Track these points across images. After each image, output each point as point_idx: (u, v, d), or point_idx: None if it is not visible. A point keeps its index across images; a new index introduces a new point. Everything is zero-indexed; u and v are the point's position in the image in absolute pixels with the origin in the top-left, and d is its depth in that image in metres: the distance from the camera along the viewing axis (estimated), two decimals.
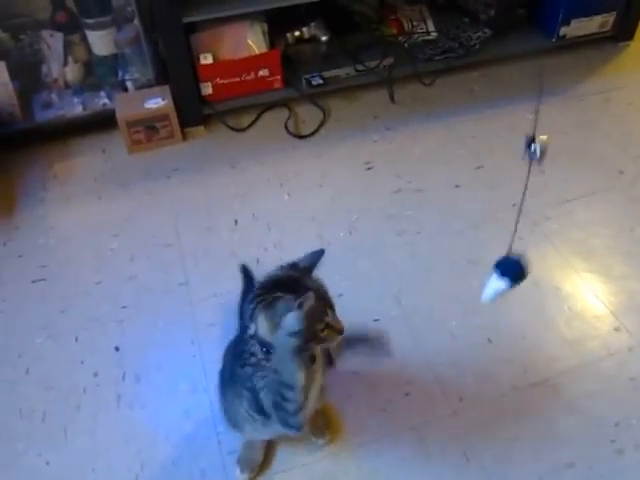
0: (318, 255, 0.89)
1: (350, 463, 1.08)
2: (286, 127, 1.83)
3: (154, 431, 1.14)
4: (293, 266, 0.90)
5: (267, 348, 0.83)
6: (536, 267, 1.40)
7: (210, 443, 1.12)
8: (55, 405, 1.18)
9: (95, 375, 1.23)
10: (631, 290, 1.36)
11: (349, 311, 1.28)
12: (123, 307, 1.35)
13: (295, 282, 0.85)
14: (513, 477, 1.06)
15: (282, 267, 0.90)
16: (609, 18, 2.09)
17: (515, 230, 1.01)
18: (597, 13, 2.05)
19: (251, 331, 0.84)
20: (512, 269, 0.99)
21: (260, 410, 0.91)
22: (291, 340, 0.81)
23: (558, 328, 1.28)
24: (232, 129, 1.83)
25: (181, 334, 1.29)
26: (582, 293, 1.36)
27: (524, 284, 1.34)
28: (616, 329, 1.28)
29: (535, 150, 1.00)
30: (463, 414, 1.14)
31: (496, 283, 0.97)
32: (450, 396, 1.17)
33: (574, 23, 2.04)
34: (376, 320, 1.29)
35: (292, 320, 0.79)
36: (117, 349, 1.28)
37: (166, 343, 1.28)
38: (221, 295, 1.36)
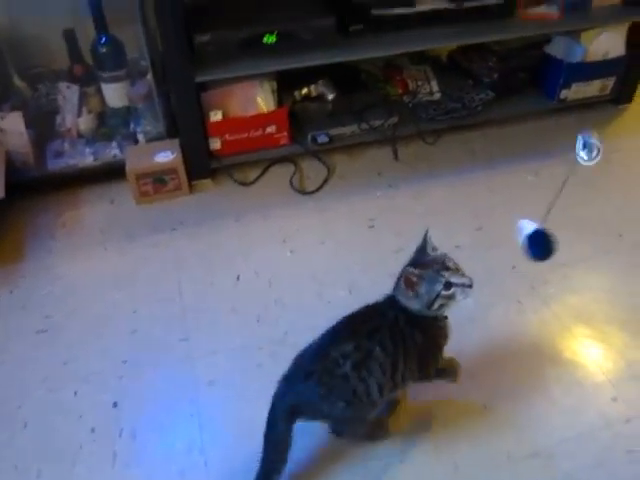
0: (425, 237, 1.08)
1: None
2: (291, 183, 1.87)
3: None
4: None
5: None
6: (534, 332, 1.43)
7: None
8: (51, 462, 1.18)
9: (92, 431, 1.23)
10: (629, 359, 1.36)
11: None
12: (123, 361, 1.37)
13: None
14: None
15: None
16: (609, 82, 2.15)
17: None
18: (597, 78, 2.12)
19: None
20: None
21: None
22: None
23: (555, 396, 1.28)
24: (238, 183, 1.88)
25: (180, 391, 1.30)
26: (580, 360, 1.36)
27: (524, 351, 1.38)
28: (613, 399, 1.28)
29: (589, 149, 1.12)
30: None
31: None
32: (445, 463, 1.16)
33: (574, 87, 2.10)
34: None
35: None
36: (115, 405, 1.28)
37: (164, 400, 1.29)
38: (221, 352, 1.37)
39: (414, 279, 1.01)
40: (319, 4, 1.83)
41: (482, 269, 1.57)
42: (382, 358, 1.02)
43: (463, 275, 1.03)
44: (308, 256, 1.62)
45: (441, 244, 1.65)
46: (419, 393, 1.28)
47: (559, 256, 1.61)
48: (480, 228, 1.72)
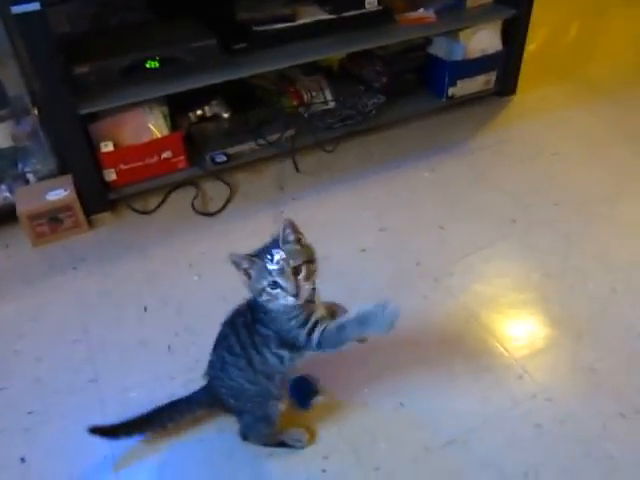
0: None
1: None
2: (193, 206, 1.85)
3: None
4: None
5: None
6: (441, 324, 1.47)
7: None
8: None
9: None
10: (532, 337, 1.43)
11: None
12: (29, 413, 1.30)
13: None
14: None
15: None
16: (491, 76, 2.26)
17: None
18: (479, 73, 2.22)
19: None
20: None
21: (292, 345, 1.05)
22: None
23: (465, 384, 1.33)
24: (139, 212, 1.84)
25: (91, 437, 1.25)
26: (487, 345, 1.41)
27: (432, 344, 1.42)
28: (519, 377, 1.34)
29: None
30: None
31: None
32: (366, 466, 1.18)
33: (460, 83, 2.20)
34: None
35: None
36: (23, 460, 1.22)
37: (76, 448, 1.23)
38: (132, 388, 1.33)
39: (243, 264, 1.00)
40: (199, 26, 1.83)
41: (388, 269, 1.63)
42: (232, 360, 1.10)
43: (292, 282, 0.97)
44: (216, 278, 1.60)
45: (346, 248, 1.70)
46: (333, 397, 1.29)
47: (461, 248, 1.69)
48: (384, 229, 1.76)
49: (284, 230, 1.00)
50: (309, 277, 0.99)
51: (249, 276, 1.00)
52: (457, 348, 1.41)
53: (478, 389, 1.31)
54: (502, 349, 1.40)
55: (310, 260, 1.01)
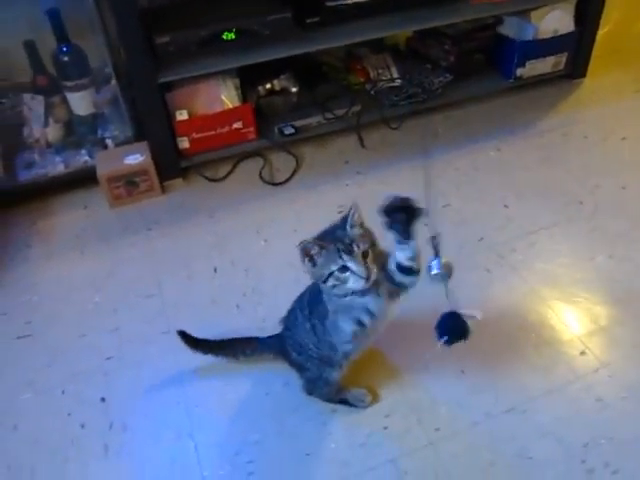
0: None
1: None
2: (261, 176, 1.91)
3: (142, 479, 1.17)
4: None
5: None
6: (504, 298, 1.48)
7: None
8: (43, 460, 1.20)
9: (82, 427, 1.26)
10: (594, 315, 1.43)
11: None
12: (108, 358, 1.39)
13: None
14: None
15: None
16: (561, 58, 2.22)
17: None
18: (550, 54, 2.19)
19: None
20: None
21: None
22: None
23: (527, 356, 1.34)
24: (209, 180, 1.91)
25: (165, 382, 1.33)
26: (549, 321, 1.42)
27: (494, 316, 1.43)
28: (582, 353, 1.34)
29: (438, 270, 1.06)
30: (439, 444, 1.18)
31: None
32: (426, 426, 1.21)
33: (529, 64, 2.17)
34: None
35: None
36: (103, 400, 1.31)
37: (151, 391, 1.32)
38: None
39: (312, 250, 1.00)
40: (274, 0, 1.87)
41: (451, 244, 1.63)
42: (302, 319, 1.17)
43: (362, 265, 0.98)
44: (282, 244, 1.66)
45: None
46: (395, 361, 1.33)
47: (525, 227, 1.69)
48: (448, 205, 1.77)
49: (352, 214, 1.01)
50: (375, 260, 1.02)
51: (314, 263, 1.01)
52: (519, 321, 1.42)
53: (540, 361, 1.32)
54: (564, 325, 1.41)
55: (374, 243, 1.03)
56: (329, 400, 1.26)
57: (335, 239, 1.00)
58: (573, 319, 1.42)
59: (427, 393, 1.27)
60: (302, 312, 1.17)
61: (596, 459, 1.14)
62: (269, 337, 1.29)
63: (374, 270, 1.01)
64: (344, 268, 0.99)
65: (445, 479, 1.13)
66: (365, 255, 1.00)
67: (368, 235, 1.03)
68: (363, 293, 1.04)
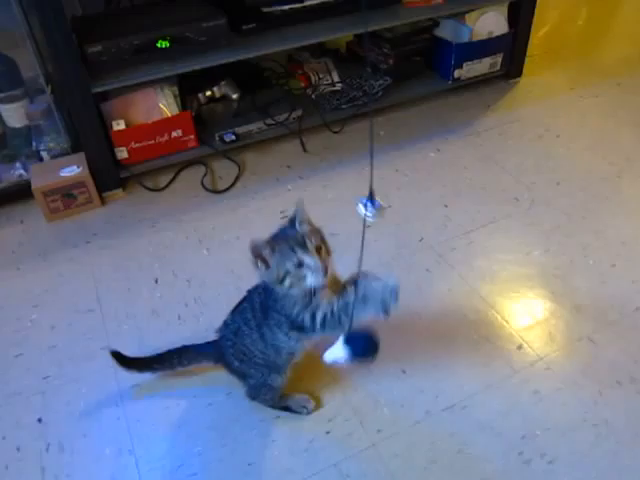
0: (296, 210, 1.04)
1: None
2: (202, 184, 1.89)
3: None
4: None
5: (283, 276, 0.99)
6: (443, 296, 1.51)
7: None
8: None
9: (18, 450, 1.22)
10: (531, 309, 1.47)
11: None
12: (45, 377, 1.35)
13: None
14: None
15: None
16: (497, 59, 2.28)
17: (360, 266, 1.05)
18: (486, 55, 2.24)
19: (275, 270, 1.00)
20: (362, 345, 1.06)
21: (300, 327, 1.06)
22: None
23: (466, 353, 1.37)
24: (150, 190, 1.89)
25: (105, 398, 1.30)
26: (488, 317, 1.45)
27: (434, 315, 1.46)
28: (519, 347, 1.38)
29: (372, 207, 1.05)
30: (381, 445, 1.19)
31: (339, 351, 1.03)
32: (368, 428, 1.22)
33: (466, 66, 2.22)
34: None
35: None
36: (40, 420, 1.27)
37: (90, 409, 1.29)
38: (143, 355, 1.38)
39: (264, 251, 0.98)
40: (209, 7, 1.86)
41: (391, 245, 1.67)
42: (247, 331, 1.15)
43: (318, 258, 0.98)
44: (224, 253, 1.65)
45: (351, 225, 1.73)
46: (328, 370, 1.33)
47: (464, 225, 1.72)
48: (389, 206, 1.79)
49: (299, 212, 1.02)
50: (327, 255, 1.02)
51: (267, 265, 1.00)
52: (458, 319, 1.45)
53: (478, 358, 1.35)
54: (502, 320, 1.44)
55: (323, 240, 1.04)
56: (272, 406, 1.26)
57: (286, 238, 1.00)
58: (511, 314, 1.46)
59: (369, 395, 1.28)
60: (247, 324, 1.15)
61: (533, 450, 1.17)
62: (206, 343, 1.27)
63: (329, 259, 1.02)
64: (300, 265, 0.98)
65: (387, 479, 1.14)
66: (319, 249, 1.00)
67: (317, 231, 1.04)
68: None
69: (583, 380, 1.30)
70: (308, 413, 1.25)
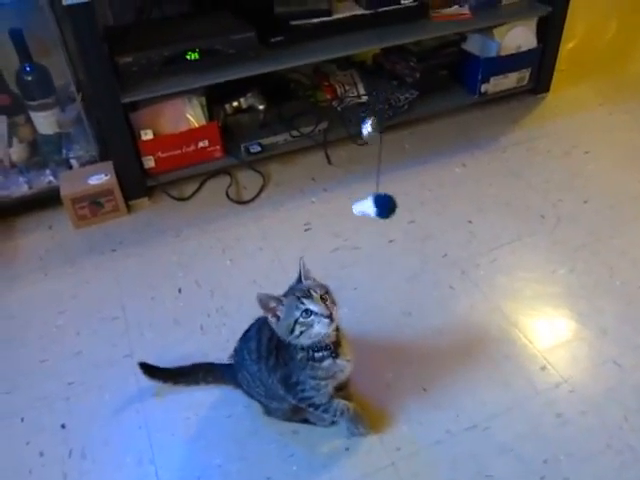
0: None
1: None
2: (227, 194, 1.91)
3: None
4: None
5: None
6: (465, 314, 1.50)
7: None
8: None
9: (41, 455, 1.24)
10: (556, 329, 1.45)
11: None
12: (69, 383, 1.38)
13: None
14: None
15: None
16: (525, 74, 2.26)
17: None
18: (513, 70, 2.23)
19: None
20: (386, 204, 1.21)
21: (288, 387, 1.14)
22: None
23: (488, 372, 1.35)
24: (175, 199, 1.91)
25: (127, 406, 1.32)
26: (511, 336, 1.44)
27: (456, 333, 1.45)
28: (542, 368, 1.36)
29: (367, 126, 1.28)
30: (401, 464, 1.18)
31: (369, 207, 1.20)
32: (388, 446, 1.21)
33: (493, 80, 2.21)
34: None
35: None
36: (63, 426, 1.29)
37: (112, 416, 1.30)
38: (166, 364, 1.39)
39: (272, 304, 1.05)
40: (238, 20, 1.88)
41: (415, 260, 1.66)
42: (249, 361, 1.18)
43: (323, 305, 1.03)
44: (247, 263, 1.66)
45: (375, 240, 1.73)
46: (356, 381, 1.33)
47: (488, 242, 1.71)
48: (412, 221, 1.78)
49: (303, 267, 1.09)
50: (333, 304, 1.05)
51: (277, 317, 1.06)
52: (481, 338, 1.43)
53: (501, 378, 1.34)
54: (526, 340, 1.42)
55: (328, 292, 1.07)
56: (289, 420, 1.26)
57: (293, 290, 1.07)
58: (534, 334, 1.44)
59: (388, 412, 1.28)
60: (250, 355, 1.18)
61: (555, 475, 1.16)
62: (228, 367, 1.29)
63: (335, 309, 1.05)
64: (307, 312, 1.02)
65: None
66: (324, 298, 1.04)
67: (322, 285, 1.08)
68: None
69: (608, 404, 1.27)
70: (327, 425, 1.25)
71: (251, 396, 1.26)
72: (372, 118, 1.29)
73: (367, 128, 1.27)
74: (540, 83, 2.34)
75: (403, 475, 1.16)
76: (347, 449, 1.22)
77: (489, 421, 1.25)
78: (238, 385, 1.28)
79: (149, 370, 1.30)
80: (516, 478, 1.16)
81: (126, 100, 1.72)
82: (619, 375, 1.33)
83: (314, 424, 1.25)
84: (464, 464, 1.18)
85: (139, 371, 1.38)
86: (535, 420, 1.25)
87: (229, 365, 1.29)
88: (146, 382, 1.35)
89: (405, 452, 1.20)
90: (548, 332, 1.45)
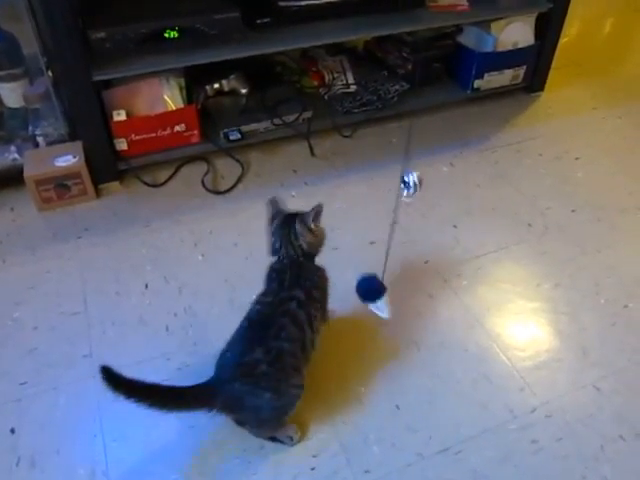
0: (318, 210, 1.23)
1: None
2: (203, 183, 1.81)
3: None
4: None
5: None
6: (445, 327, 1.44)
7: None
8: None
9: None
10: (536, 348, 1.40)
11: None
12: (22, 384, 1.29)
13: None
14: None
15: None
16: (520, 71, 2.19)
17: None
18: (508, 67, 2.15)
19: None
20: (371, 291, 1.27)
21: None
22: None
23: (464, 391, 1.30)
24: (148, 185, 1.81)
25: (83, 411, 1.24)
26: (489, 353, 1.38)
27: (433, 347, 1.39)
28: (521, 389, 1.31)
29: (410, 182, 1.28)
30: None
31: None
32: (356, 468, 1.16)
33: (487, 76, 2.13)
34: None
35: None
36: (13, 431, 1.21)
37: (67, 422, 1.23)
38: (127, 367, 1.29)
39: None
40: None
41: (395, 264, 1.59)
42: (291, 348, 1.10)
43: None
44: (220, 260, 1.58)
45: (356, 240, 1.66)
46: (327, 394, 1.27)
47: (472, 249, 1.65)
48: (395, 222, 1.71)
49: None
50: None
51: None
52: (459, 353, 1.38)
53: (477, 398, 1.28)
54: (505, 358, 1.37)
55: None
56: (257, 435, 1.20)
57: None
58: (514, 352, 1.38)
59: (359, 430, 1.22)
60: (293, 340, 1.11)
61: None
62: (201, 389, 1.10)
63: None
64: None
65: None
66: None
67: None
68: None
69: (585, 432, 1.23)
70: (293, 445, 1.19)
71: (240, 411, 1.12)
72: (417, 173, 1.26)
73: (411, 186, 1.30)
74: (535, 82, 2.26)
75: None
76: (313, 469, 1.16)
77: (462, 444, 1.20)
78: (223, 406, 1.10)
79: (113, 379, 1.07)
80: None
81: (97, 78, 1.60)
82: (598, 400, 1.29)
83: (282, 442, 1.19)
84: None
85: (98, 374, 1.30)
86: (510, 446, 1.20)
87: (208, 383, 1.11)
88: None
89: (374, 475, 1.15)
90: (528, 351, 1.39)
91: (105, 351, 1.35)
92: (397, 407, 1.26)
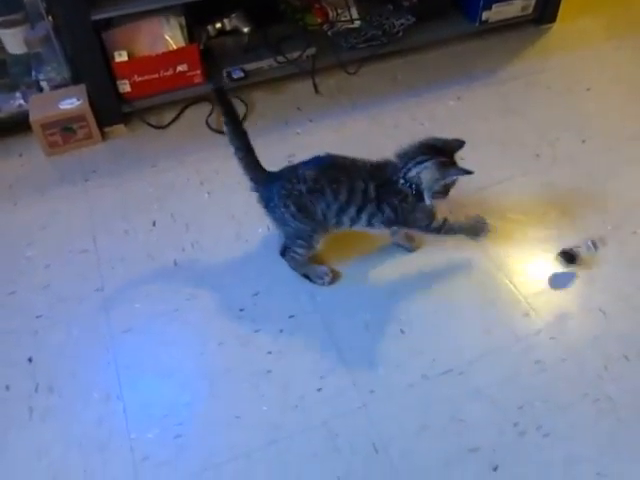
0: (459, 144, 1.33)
1: (260, 463, 1.09)
2: (207, 123, 1.81)
3: (66, 442, 1.13)
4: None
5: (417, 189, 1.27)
6: (451, 255, 1.44)
7: (123, 451, 1.11)
8: None
9: (7, 389, 1.21)
10: (542, 275, 1.40)
11: (265, 307, 1.30)
12: (37, 317, 1.33)
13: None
14: (420, 466, 1.09)
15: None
16: (530, 1, 2.11)
17: None
18: None
19: (412, 173, 1.28)
20: None
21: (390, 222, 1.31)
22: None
23: (470, 317, 1.31)
24: (153, 127, 1.81)
25: (95, 341, 1.28)
26: (495, 280, 1.39)
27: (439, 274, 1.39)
28: (525, 314, 1.32)
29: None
30: (373, 406, 1.16)
31: None
32: (361, 388, 1.19)
33: (495, 7, 2.06)
34: (291, 316, 1.30)
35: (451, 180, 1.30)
36: (30, 360, 1.26)
37: (80, 351, 1.27)
38: (136, 300, 1.35)
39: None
40: None
41: None
42: (331, 199, 1.24)
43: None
44: (226, 197, 1.59)
45: None
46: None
47: (478, 180, 1.63)
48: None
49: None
50: None
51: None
52: (464, 280, 1.39)
53: (481, 322, 1.30)
54: (511, 285, 1.38)
55: None
56: (294, 268, 1.35)
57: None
58: (520, 279, 1.39)
59: (365, 353, 1.25)
60: (334, 193, 1.24)
61: (529, 422, 1.13)
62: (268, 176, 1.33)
63: None
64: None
65: (376, 442, 1.11)
66: None
67: None
68: None
69: (589, 353, 1.24)
70: (323, 284, 1.34)
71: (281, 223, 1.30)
72: (594, 241, 1.37)
73: (589, 246, 1.37)
74: (546, 12, 2.18)
75: (373, 417, 1.14)
76: (319, 390, 1.19)
77: (466, 366, 1.22)
78: (265, 205, 1.30)
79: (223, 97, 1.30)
80: (489, 423, 1.13)
81: (96, 17, 1.59)
82: (604, 323, 1.29)
83: (314, 282, 1.35)
84: (437, 408, 1.16)
85: (109, 306, 1.35)
86: (513, 366, 1.22)
87: (270, 175, 1.33)
88: (117, 317, 1.32)
89: (378, 395, 1.18)
90: (534, 277, 1.40)
91: (115, 285, 1.39)
92: (402, 331, 1.28)
